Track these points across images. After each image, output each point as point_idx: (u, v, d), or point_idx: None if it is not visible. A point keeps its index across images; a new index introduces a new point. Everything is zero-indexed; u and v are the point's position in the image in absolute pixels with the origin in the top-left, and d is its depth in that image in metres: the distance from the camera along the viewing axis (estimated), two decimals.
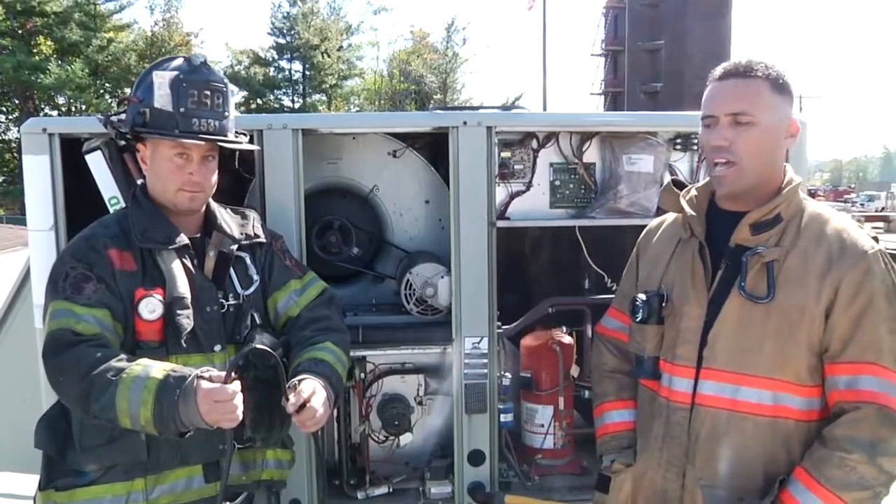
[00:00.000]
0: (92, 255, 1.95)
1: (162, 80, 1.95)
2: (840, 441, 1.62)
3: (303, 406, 1.87)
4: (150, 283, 1.95)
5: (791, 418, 1.71)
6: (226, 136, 2.06)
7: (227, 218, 2.18)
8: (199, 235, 2.12)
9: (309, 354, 2.07)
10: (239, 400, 1.78)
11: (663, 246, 1.97)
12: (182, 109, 1.96)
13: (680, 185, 1.96)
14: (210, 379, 1.78)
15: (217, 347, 2.04)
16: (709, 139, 1.79)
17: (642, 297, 1.90)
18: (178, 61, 2.03)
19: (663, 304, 1.87)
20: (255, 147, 2.32)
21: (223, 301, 2.08)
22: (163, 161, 2.01)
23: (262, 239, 2.24)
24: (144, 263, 1.98)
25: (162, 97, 1.95)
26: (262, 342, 1.98)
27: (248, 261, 2.18)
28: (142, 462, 1.96)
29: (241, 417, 1.79)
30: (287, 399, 1.87)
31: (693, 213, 1.86)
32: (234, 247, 2.14)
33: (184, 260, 2.03)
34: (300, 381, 1.93)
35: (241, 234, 2.18)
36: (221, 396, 1.75)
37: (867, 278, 1.65)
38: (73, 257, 1.95)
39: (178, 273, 1.99)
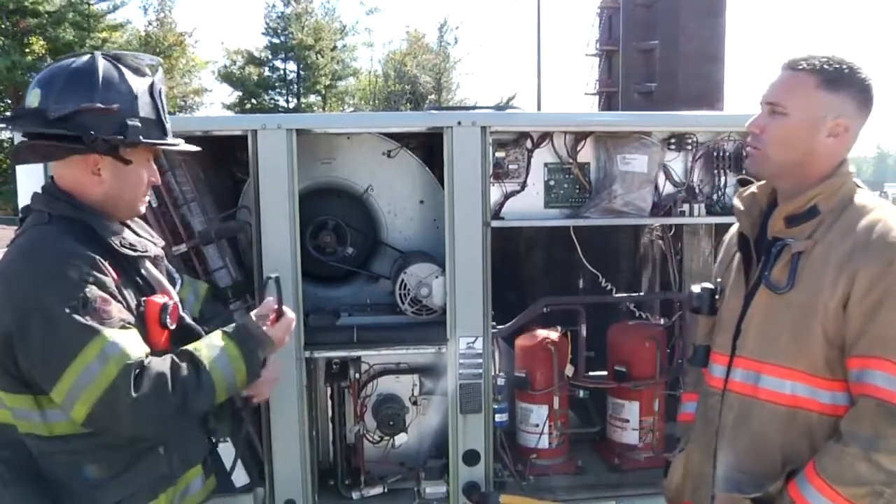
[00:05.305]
0: (99, 275, 1.73)
1: (141, 87, 1.85)
2: (842, 434, 1.63)
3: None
4: (149, 293, 1.87)
5: (813, 410, 1.71)
6: None
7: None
8: None
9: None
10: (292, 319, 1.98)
11: (733, 242, 2.01)
12: (163, 116, 1.90)
13: (747, 182, 1.97)
14: (258, 316, 1.91)
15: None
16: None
17: (696, 289, 1.98)
18: (129, 63, 1.87)
19: (716, 297, 1.95)
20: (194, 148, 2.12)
21: None
22: (139, 169, 1.90)
23: None
24: (127, 273, 1.85)
25: (145, 105, 1.85)
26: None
27: (163, 256, 2.07)
28: (164, 476, 1.88)
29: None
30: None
31: (741, 208, 1.89)
32: (162, 244, 2.06)
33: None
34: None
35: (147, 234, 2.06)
36: (288, 324, 1.95)
37: (886, 271, 1.61)
38: (86, 283, 1.70)
39: (162, 277, 1.94)
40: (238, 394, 2.03)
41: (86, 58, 1.83)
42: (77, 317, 1.65)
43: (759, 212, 1.89)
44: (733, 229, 2.04)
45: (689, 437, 2.06)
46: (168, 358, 1.75)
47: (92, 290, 1.69)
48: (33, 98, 1.78)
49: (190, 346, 1.82)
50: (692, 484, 1.98)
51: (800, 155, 1.75)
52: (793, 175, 1.78)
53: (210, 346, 1.82)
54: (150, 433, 1.81)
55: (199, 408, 1.80)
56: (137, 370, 1.67)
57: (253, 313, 1.93)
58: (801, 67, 1.74)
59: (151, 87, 1.88)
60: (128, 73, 1.84)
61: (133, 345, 1.71)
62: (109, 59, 1.84)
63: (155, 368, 1.70)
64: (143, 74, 1.88)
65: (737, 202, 1.91)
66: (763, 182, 1.91)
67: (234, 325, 1.90)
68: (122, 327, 1.71)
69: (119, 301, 1.75)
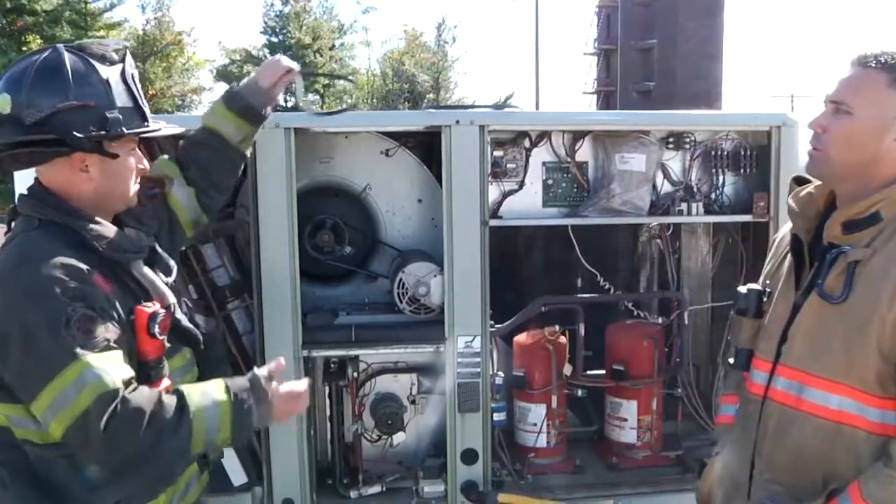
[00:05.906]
0: (87, 288, 1.66)
1: (112, 76, 1.79)
2: (892, 458, 1.55)
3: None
4: (143, 298, 1.81)
5: (861, 428, 1.61)
6: None
7: None
8: None
9: None
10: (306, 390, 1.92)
11: (784, 243, 1.92)
12: (141, 101, 1.84)
13: (803, 181, 1.88)
14: (270, 377, 1.82)
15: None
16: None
17: (743, 290, 1.90)
18: (95, 52, 1.79)
19: (763, 299, 1.86)
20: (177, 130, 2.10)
21: None
22: (126, 159, 1.85)
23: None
24: (119, 278, 1.78)
25: (120, 94, 1.80)
26: None
27: (156, 247, 1.96)
28: (164, 476, 1.86)
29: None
30: None
31: (796, 209, 1.80)
32: (155, 230, 1.99)
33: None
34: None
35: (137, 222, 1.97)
36: (298, 394, 1.87)
37: None
38: (71, 300, 1.63)
39: (156, 279, 1.87)
40: None
41: (49, 53, 1.75)
42: (58, 338, 1.59)
43: (816, 214, 1.79)
44: (785, 229, 1.94)
45: (725, 441, 1.99)
46: (156, 393, 1.67)
47: (76, 308, 1.62)
48: (3, 104, 1.71)
49: (185, 388, 1.74)
50: (726, 490, 1.91)
51: (864, 157, 1.65)
52: (855, 178, 1.68)
53: (205, 394, 1.74)
54: (117, 463, 1.72)
55: (169, 452, 1.71)
56: (117, 402, 1.59)
57: (259, 372, 1.82)
58: (871, 64, 1.63)
59: (123, 73, 1.81)
60: (96, 64, 1.76)
61: (112, 371, 1.62)
62: (74, 51, 1.75)
63: (135, 403, 1.61)
64: (111, 62, 1.80)
65: (791, 202, 1.82)
66: (820, 183, 1.81)
67: (239, 381, 1.79)
68: (106, 348, 1.63)
69: (108, 317, 1.68)
